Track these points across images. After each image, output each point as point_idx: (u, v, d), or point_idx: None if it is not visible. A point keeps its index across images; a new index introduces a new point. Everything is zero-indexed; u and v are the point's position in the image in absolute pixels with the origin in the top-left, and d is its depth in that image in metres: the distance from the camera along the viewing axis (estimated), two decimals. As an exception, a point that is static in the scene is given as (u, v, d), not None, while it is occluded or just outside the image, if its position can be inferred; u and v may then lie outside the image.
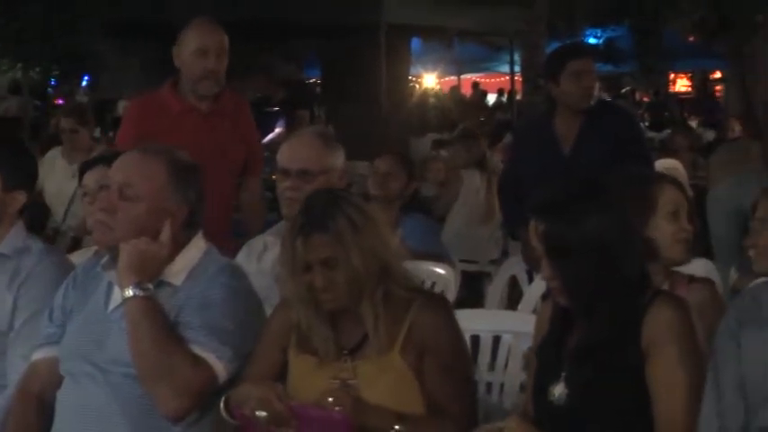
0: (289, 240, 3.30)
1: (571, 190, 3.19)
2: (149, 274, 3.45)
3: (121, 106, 17.71)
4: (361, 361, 3.30)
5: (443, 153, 10.50)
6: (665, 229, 3.56)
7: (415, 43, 18.92)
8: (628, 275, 3.10)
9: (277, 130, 13.90)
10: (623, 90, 26.18)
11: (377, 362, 3.29)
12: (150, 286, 3.42)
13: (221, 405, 3.29)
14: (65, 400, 3.52)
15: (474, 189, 8.80)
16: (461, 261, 7.08)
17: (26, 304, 3.85)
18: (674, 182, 3.72)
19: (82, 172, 4.30)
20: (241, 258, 4.29)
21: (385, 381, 3.28)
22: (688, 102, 25.51)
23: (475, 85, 25.94)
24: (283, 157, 4.24)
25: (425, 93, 22.90)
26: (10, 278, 3.88)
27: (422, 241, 5.75)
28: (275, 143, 9.96)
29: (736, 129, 14.13)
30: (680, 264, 3.64)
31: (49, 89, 21.57)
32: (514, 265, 6.21)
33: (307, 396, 3.25)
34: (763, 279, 3.25)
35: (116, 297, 3.51)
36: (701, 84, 27.74)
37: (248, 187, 5.58)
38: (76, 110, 8.85)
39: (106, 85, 19.45)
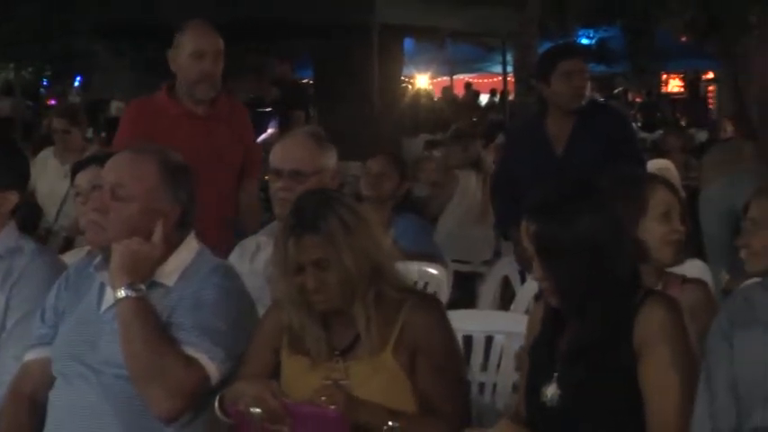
0: (281, 241, 3.30)
1: (563, 190, 3.19)
2: (141, 274, 3.44)
3: (114, 107, 17.73)
4: (354, 362, 3.30)
5: (436, 153, 10.51)
6: (655, 231, 3.56)
7: (408, 43, 18.90)
8: (620, 275, 3.10)
9: (270, 131, 13.88)
10: (616, 90, 26.19)
11: (369, 362, 3.29)
12: (142, 287, 3.42)
13: (216, 404, 3.29)
14: (57, 400, 3.52)
15: (470, 190, 8.79)
16: (454, 261, 7.08)
17: (18, 304, 3.84)
18: (666, 183, 3.72)
19: (74, 172, 4.29)
20: (234, 259, 4.29)
21: (377, 381, 3.27)
22: (680, 102, 25.53)
23: (467, 85, 25.93)
24: (276, 157, 4.24)
25: (418, 93, 22.90)
26: (2, 278, 3.87)
27: (414, 242, 5.74)
28: (268, 143, 9.94)
29: (728, 129, 14.13)
30: (670, 265, 3.64)
31: (42, 89, 21.60)
32: (507, 266, 6.21)
33: (299, 397, 3.24)
34: (754, 280, 3.25)
35: (108, 298, 3.50)
36: (691, 85, 27.75)
37: (246, 189, 5.57)
38: (69, 110, 8.85)
39: (98, 86, 19.47)
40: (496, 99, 24.83)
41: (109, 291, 3.49)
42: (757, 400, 2.93)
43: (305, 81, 17.88)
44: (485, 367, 4.28)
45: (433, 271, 5.40)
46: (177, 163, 3.58)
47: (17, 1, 14.13)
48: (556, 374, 3.14)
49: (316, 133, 4.34)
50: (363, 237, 3.29)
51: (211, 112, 5.38)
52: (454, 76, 25.11)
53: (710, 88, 26.46)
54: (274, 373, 3.40)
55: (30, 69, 16.13)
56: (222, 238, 4.78)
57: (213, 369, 3.37)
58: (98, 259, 3.61)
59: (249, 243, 4.41)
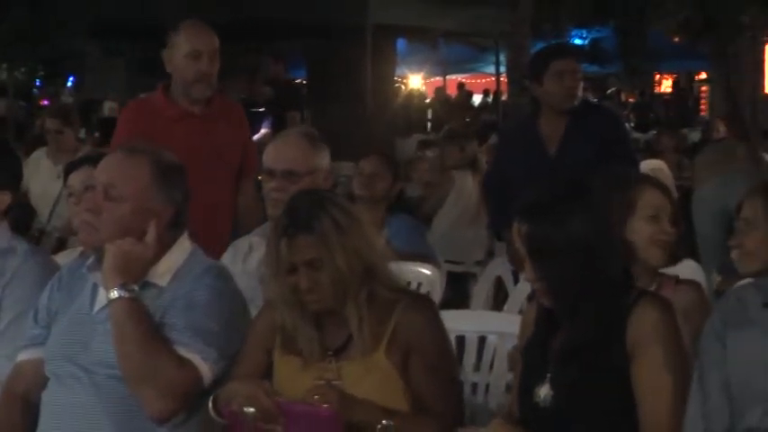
0: (273, 241, 3.29)
1: (555, 191, 3.19)
2: (134, 275, 3.43)
3: (107, 107, 17.71)
4: (346, 362, 3.30)
5: (429, 153, 10.49)
6: (642, 231, 3.56)
7: (401, 44, 18.90)
8: (612, 276, 3.11)
9: (263, 131, 13.86)
10: (609, 91, 26.21)
11: (362, 362, 3.29)
12: (135, 287, 3.41)
13: (209, 404, 3.28)
14: (50, 401, 3.51)
15: (467, 190, 8.76)
16: (447, 261, 7.08)
17: (11, 305, 3.84)
18: (657, 184, 3.72)
19: (67, 172, 4.29)
20: (227, 259, 4.28)
21: (370, 381, 3.27)
22: (672, 103, 25.55)
23: (460, 85, 25.93)
24: (269, 157, 4.24)
25: (411, 93, 22.90)
26: (-5, 279, 3.87)
27: (407, 242, 5.75)
28: (261, 144, 9.93)
29: (721, 129, 14.15)
30: (659, 266, 3.64)
31: (35, 90, 21.57)
32: (500, 266, 6.21)
33: (292, 397, 3.24)
34: (747, 280, 3.25)
35: (101, 298, 3.50)
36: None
37: (243, 189, 5.56)
38: (62, 111, 8.83)
39: (91, 86, 19.44)
40: (489, 99, 24.85)
41: (102, 291, 3.49)
42: (750, 401, 2.93)
43: (298, 81, 17.86)
44: (477, 367, 4.28)
45: (425, 271, 5.40)
46: (170, 163, 3.57)
47: (9, 2, 14.11)
48: (549, 375, 3.14)
49: (309, 133, 4.33)
50: (356, 237, 3.29)
51: (208, 111, 5.38)
52: (447, 77, 25.10)
53: (703, 88, 26.48)
54: (267, 373, 3.40)
55: (22, 70, 16.12)
56: (221, 238, 4.79)
57: (206, 369, 3.37)
58: (91, 260, 3.60)
59: (242, 243, 4.41)
